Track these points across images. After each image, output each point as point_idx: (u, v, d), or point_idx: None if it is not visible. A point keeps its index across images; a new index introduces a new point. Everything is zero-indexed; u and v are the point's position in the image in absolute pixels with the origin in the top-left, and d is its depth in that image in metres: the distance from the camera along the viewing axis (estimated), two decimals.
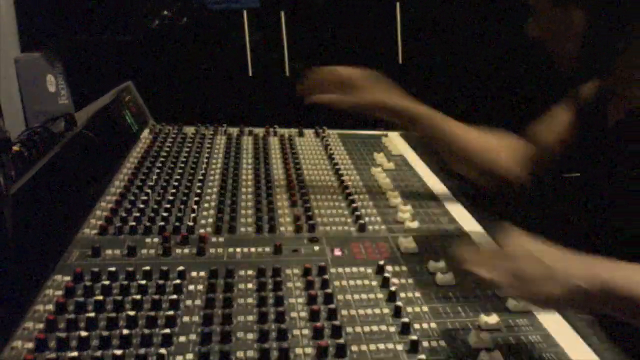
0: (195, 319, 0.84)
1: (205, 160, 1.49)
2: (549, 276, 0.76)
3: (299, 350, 0.78)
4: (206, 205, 1.23)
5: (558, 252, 0.79)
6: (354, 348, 0.80)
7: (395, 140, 1.73)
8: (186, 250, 1.04)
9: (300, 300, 0.90)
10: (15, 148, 1.23)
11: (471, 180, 1.32)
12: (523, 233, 0.82)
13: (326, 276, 0.95)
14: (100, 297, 0.86)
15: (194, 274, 0.96)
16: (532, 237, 0.82)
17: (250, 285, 0.93)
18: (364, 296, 0.92)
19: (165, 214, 1.15)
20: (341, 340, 0.79)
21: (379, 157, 1.56)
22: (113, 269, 0.93)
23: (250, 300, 0.89)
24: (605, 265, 0.77)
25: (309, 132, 1.78)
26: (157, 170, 1.38)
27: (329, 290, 0.91)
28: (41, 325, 0.81)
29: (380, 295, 0.93)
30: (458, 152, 1.28)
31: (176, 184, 1.30)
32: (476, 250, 0.87)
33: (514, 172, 1.26)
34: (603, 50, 0.95)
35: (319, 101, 1.24)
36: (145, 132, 1.70)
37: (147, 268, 0.94)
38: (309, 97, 1.26)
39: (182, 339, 0.80)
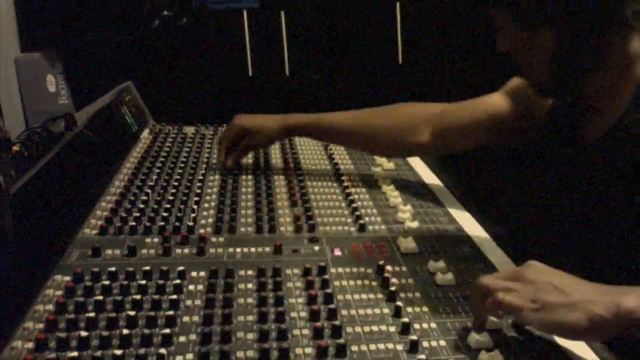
0: (195, 319, 0.84)
1: (205, 160, 1.49)
2: (570, 305, 0.75)
3: (299, 350, 0.78)
4: (206, 205, 1.23)
5: (578, 281, 0.79)
6: (354, 348, 0.80)
7: None
8: (186, 250, 1.04)
9: (300, 300, 0.90)
10: (15, 148, 1.23)
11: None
12: (541, 263, 0.82)
13: (326, 276, 0.95)
14: (100, 297, 0.85)
15: (194, 274, 0.96)
16: (550, 267, 0.82)
17: (250, 285, 0.93)
18: (364, 296, 0.92)
19: (165, 214, 1.15)
20: (341, 340, 0.79)
21: (379, 157, 1.56)
22: (113, 269, 0.93)
23: (250, 300, 0.89)
24: (630, 292, 0.74)
25: None
26: (157, 170, 1.38)
27: (329, 290, 0.91)
28: (41, 325, 0.81)
29: (380, 295, 0.93)
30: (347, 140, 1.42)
31: (176, 184, 1.30)
32: (495, 275, 0.86)
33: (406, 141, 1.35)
34: (572, 70, 0.95)
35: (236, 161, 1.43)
36: (145, 132, 1.70)
37: (147, 268, 0.94)
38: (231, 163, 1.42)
39: (182, 339, 0.79)
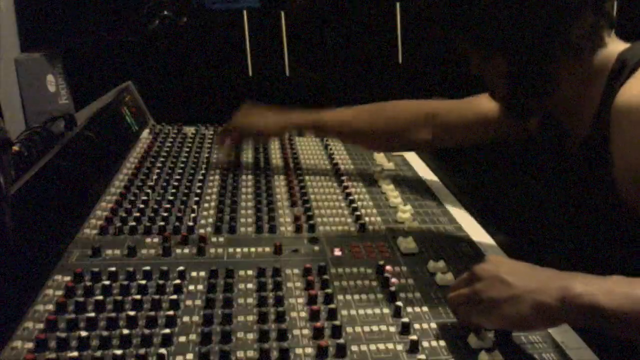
0: (195, 319, 0.84)
1: (205, 160, 1.49)
2: (514, 297, 0.75)
3: (299, 350, 0.78)
4: (206, 205, 1.23)
5: (526, 270, 0.79)
6: (354, 348, 0.80)
7: None
8: (186, 250, 1.04)
9: (300, 300, 0.90)
10: (15, 148, 1.23)
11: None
12: (497, 257, 0.83)
13: (326, 276, 0.95)
14: (100, 297, 0.86)
15: (194, 274, 0.96)
16: (504, 259, 0.83)
17: (250, 285, 0.93)
18: (364, 296, 0.92)
19: (165, 214, 1.15)
20: (341, 340, 0.79)
21: (379, 157, 1.56)
22: (113, 269, 0.93)
23: (250, 300, 0.89)
24: (578, 277, 0.75)
25: None
26: (157, 170, 1.38)
27: (329, 290, 0.91)
28: (41, 325, 0.81)
29: (380, 295, 0.93)
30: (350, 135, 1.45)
31: (176, 184, 1.30)
32: (456, 281, 0.88)
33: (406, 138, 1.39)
34: (525, 92, 1.00)
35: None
36: (145, 132, 1.70)
37: (147, 268, 0.94)
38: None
39: (182, 339, 0.79)
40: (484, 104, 1.27)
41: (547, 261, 0.82)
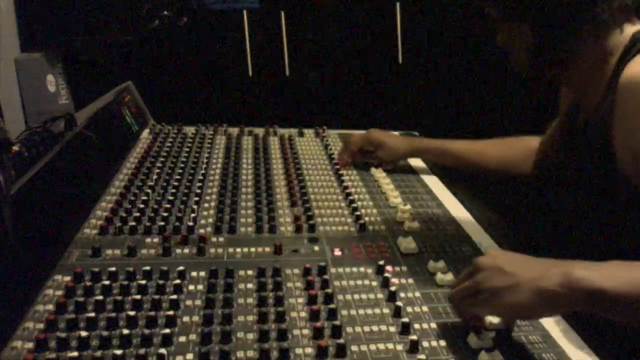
0: (195, 319, 0.84)
1: (205, 160, 1.49)
2: (517, 285, 0.76)
3: (299, 350, 0.78)
4: (206, 205, 1.23)
5: (527, 260, 0.80)
6: (354, 348, 0.80)
7: None
8: (186, 250, 1.04)
9: (300, 300, 0.90)
10: (15, 148, 1.23)
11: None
12: (498, 250, 0.84)
13: (326, 276, 0.95)
14: (100, 297, 0.85)
15: (194, 274, 0.96)
16: (504, 252, 0.84)
17: (250, 285, 0.93)
18: (364, 296, 0.92)
19: (165, 214, 1.15)
20: (341, 340, 0.79)
21: None
22: (113, 269, 0.93)
23: (250, 300, 0.89)
24: (579, 263, 0.76)
25: (309, 132, 1.78)
26: (157, 170, 1.38)
27: (329, 290, 0.91)
28: (41, 325, 0.81)
29: (380, 295, 0.93)
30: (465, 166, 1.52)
31: (176, 184, 1.30)
32: (458, 278, 0.89)
33: (514, 169, 1.44)
34: (547, 61, 1.06)
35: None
36: (145, 132, 1.70)
37: (147, 268, 0.94)
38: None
39: (182, 339, 0.79)
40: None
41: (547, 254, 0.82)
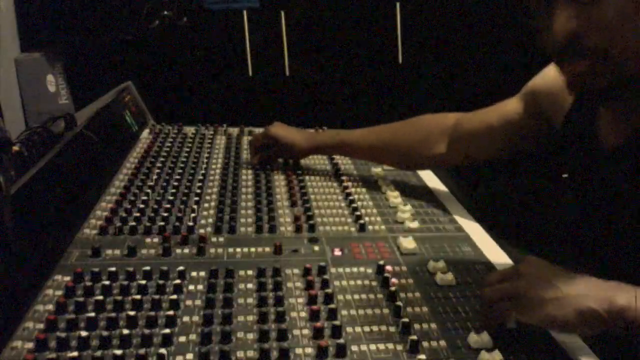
0: (195, 319, 0.84)
1: (205, 160, 1.49)
2: (561, 299, 0.76)
3: (299, 350, 0.78)
4: (206, 205, 1.23)
5: (572, 276, 0.79)
6: (354, 348, 0.80)
7: None
8: (186, 250, 1.04)
9: (300, 300, 0.90)
10: (15, 148, 1.23)
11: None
12: (538, 258, 0.82)
13: (326, 276, 0.95)
14: (100, 297, 0.85)
15: (194, 274, 0.96)
16: (546, 262, 0.83)
17: (250, 285, 0.93)
18: (364, 296, 0.92)
19: (165, 214, 1.15)
20: (341, 340, 0.79)
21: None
22: (113, 269, 0.93)
23: (250, 300, 0.89)
24: (623, 289, 0.75)
25: None
26: (157, 170, 1.38)
27: (329, 290, 0.91)
28: (41, 325, 0.81)
29: (380, 296, 0.93)
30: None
31: (176, 184, 1.30)
32: (495, 274, 0.88)
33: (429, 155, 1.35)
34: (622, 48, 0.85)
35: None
36: (145, 132, 1.71)
37: (147, 268, 0.94)
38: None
39: (182, 339, 0.79)
40: (511, 109, 1.20)
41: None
